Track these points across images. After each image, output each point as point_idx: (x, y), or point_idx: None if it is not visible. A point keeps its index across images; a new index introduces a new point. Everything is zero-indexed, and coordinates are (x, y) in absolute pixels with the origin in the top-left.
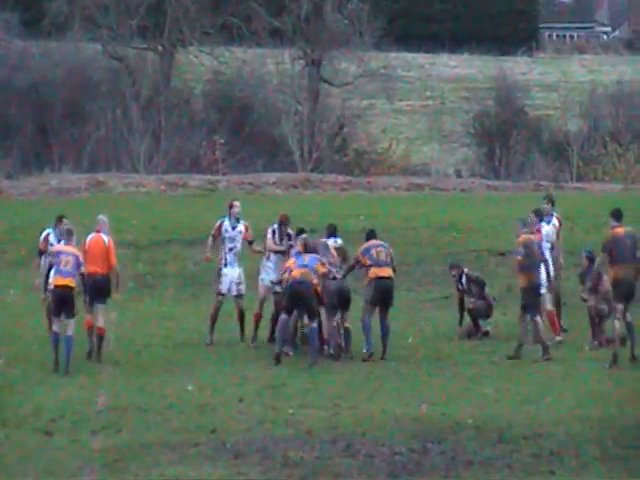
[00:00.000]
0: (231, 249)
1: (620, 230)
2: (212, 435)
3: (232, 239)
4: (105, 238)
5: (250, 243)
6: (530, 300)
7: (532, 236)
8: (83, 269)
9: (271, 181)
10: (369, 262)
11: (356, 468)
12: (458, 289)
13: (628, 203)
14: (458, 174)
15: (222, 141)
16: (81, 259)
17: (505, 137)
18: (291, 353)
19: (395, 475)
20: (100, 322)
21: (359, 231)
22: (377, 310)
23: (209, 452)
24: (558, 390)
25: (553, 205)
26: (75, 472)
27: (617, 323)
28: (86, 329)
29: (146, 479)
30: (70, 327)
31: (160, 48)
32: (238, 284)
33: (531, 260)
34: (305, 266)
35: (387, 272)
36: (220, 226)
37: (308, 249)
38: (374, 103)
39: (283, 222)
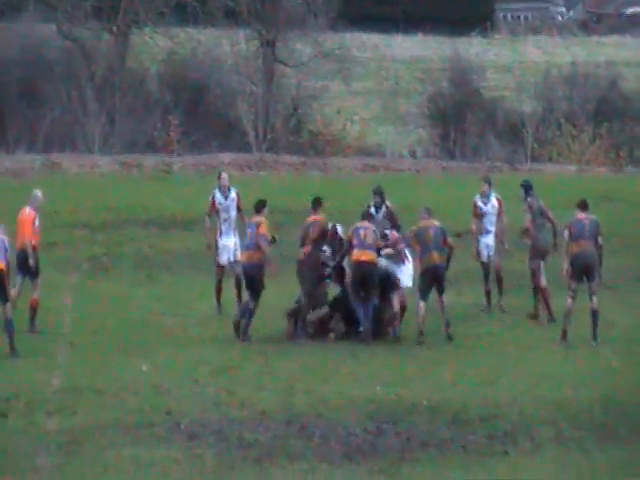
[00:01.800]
0: (225, 219)
1: (582, 215)
2: (167, 417)
3: (226, 209)
4: (27, 211)
5: (239, 211)
6: (423, 284)
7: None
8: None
9: (226, 162)
10: (355, 242)
11: (311, 449)
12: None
13: (582, 184)
14: (413, 155)
15: (177, 122)
16: (6, 243)
17: (460, 118)
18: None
19: (350, 456)
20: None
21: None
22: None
23: (164, 433)
24: (513, 372)
25: (490, 186)
26: (30, 453)
27: (569, 301)
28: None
29: (101, 460)
30: (8, 310)
31: (115, 29)
32: (235, 251)
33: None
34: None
35: (369, 256)
36: (213, 200)
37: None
38: (329, 84)
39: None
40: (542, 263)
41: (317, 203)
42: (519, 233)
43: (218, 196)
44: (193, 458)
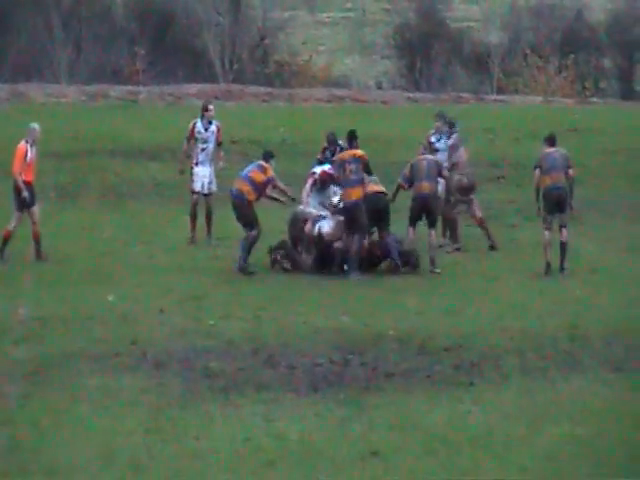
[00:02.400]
0: (203, 149)
1: (551, 149)
2: (132, 346)
3: (204, 140)
4: (19, 146)
5: (219, 144)
6: (412, 213)
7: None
8: None
9: (192, 92)
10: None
11: (277, 379)
12: None
13: (548, 116)
14: (379, 86)
15: (143, 52)
16: None
17: (426, 49)
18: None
19: (316, 386)
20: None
21: (279, 143)
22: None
23: (130, 363)
24: (479, 302)
25: (445, 121)
26: None
27: (546, 233)
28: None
29: (67, 389)
30: None
31: None
32: (209, 183)
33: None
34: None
35: (356, 193)
36: (193, 128)
37: None
38: (295, 14)
39: None
40: (474, 196)
41: (353, 137)
42: (449, 167)
43: (199, 125)
44: (159, 387)
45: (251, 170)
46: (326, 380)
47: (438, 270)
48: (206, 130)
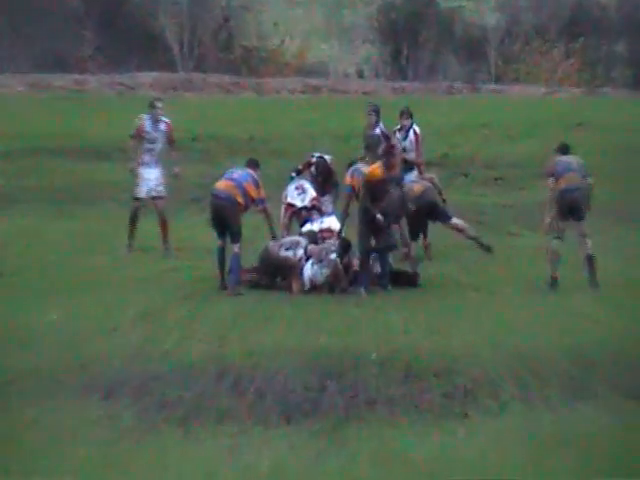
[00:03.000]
0: (149, 150)
1: (564, 157)
2: (80, 371)
3: (152, 140)
4: None
5: (171, 143)
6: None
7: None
8: None
9: (147, 82)
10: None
11: (244, 408)
12: None
13: (551, 109)
14: (360, 75)
15: (90, 36)
16: None
17: (413, 33)
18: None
19: (289, 416)
20: None
21: (247, 140)
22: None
23: (76, 390)
24: (472, 318)
25: (411, 118)
26: None
27: (554, 242)
28: None
29: (2, 421)
30: None
31: None
32: (157, 185)
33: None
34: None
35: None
36: (141, 127)
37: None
38: None
39: None
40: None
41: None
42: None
43: (148, 124)
44: (110, 418)
45: (246, 180)
46: (300, 409)
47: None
48: (154, 129)
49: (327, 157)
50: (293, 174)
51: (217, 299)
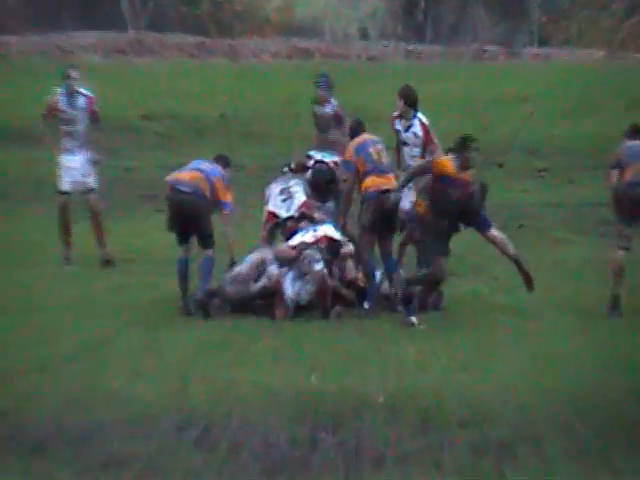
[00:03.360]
0: (69, 133)
1: (636, 142)
2: (2, 419)
3: (70, 121)
4: None
5: (95, 121)
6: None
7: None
8: None
9: (87, 44)
10: (368, 166)
11: (213, 466)
12: None
13: (612, 80)
14: (364, 35)
15: None
16: None
17: None
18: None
19: (272, 476)
20: None
21: (216, 119)
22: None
23: None
24: (510, 352)
25: (415, 106)
26: None
27: (620, 254)
28: None
29: None
30: None
31: None
32: (84, 176)
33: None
34: None
35: (392, 182)
36: (54, 104)
37: None
38: None
39: None
40: None
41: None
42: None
43: (63, 101)
44: None
45: (215, 176)
46: (286, 468)
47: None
48: (71, 106)
49: (330, 159)
50: (285, 169)
51: (179, 325)
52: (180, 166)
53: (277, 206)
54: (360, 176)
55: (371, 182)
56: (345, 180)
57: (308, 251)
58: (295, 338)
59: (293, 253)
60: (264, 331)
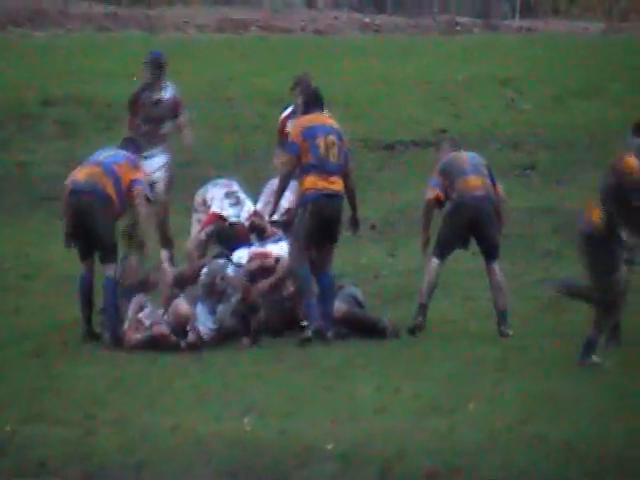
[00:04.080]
0: None
1: None
2: None
3: None
4: None
5: None
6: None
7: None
8: None
9: None
10: (311, 160)
11: None
12: None
13: (613, 56)
14: (309, 3)
15: None
16: None
17: None
18: None
19: None
20: None
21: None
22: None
23: None
24: (487, 390)
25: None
26: None
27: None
28: None
29: None
30: None
31: None
32: None
33: None
34: None
35: (338, 185)
36: None
37: None
38: None
39: None
40: None
41: (314, 96)
42: None
43: None
44: None
45: (116, 162)
46: None
47: (510, 332)
48: None
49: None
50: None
51: (82, 357)
52: (82, 161)
53: (224, 209)
54: (300, 168)
55: (310, 183)
56: (282, 163)
57: (215, 262)
58: (224, 372)
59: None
60: (187, 364)
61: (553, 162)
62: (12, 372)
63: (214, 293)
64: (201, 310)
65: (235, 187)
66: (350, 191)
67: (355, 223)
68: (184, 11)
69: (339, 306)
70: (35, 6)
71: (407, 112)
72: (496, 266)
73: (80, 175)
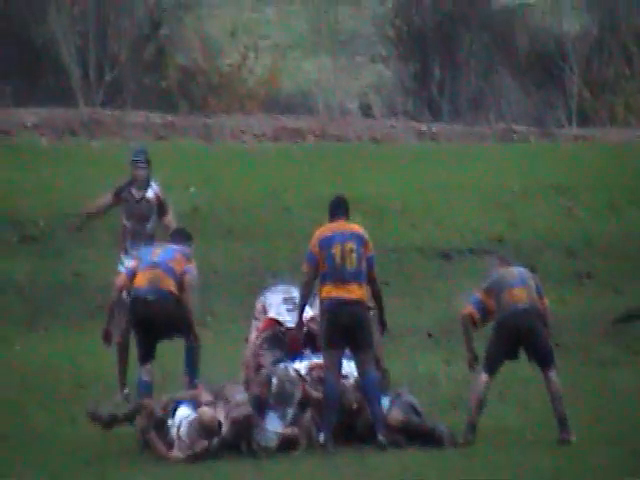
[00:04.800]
0: None
1: None
2: None
3: None
4: None
5: None
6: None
7: None
8: None
9: (30, 122)
10: (327, 269)
11: None
12: None
13: None
14: (366, 111)
15: None
16: None
17: (450, 45)
18: None
19: None
20: None
21: (188, 212)
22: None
23: None
24: None
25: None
26: None
27: None
28: None
29: None
30: None
31: None
32: None
33: None
34: None
35: (355, 292)
36: None
37: None
38: None
39: None
40: None
41: (341, 204)
42: None
43: None
44: None
45: (170, 257)
46: None
47: (573, 438)
48: None
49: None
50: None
51: (137, 467)
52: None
53: (281, 314)
54: (319, 278)
55: (326, 292)
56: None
57: (280, 376)
58: None
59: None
60: (244, 473)
61: (608, 270)
62: None
63: (285, 399)
64: (272, 416)
65: (294, 292)
66: (375, 295)
67: (382, 325)
68: (241, 120)
69: (396, 414)
70: (92, 115)
71: (463, 220)
72: (552, 373)
73: (142, 281)
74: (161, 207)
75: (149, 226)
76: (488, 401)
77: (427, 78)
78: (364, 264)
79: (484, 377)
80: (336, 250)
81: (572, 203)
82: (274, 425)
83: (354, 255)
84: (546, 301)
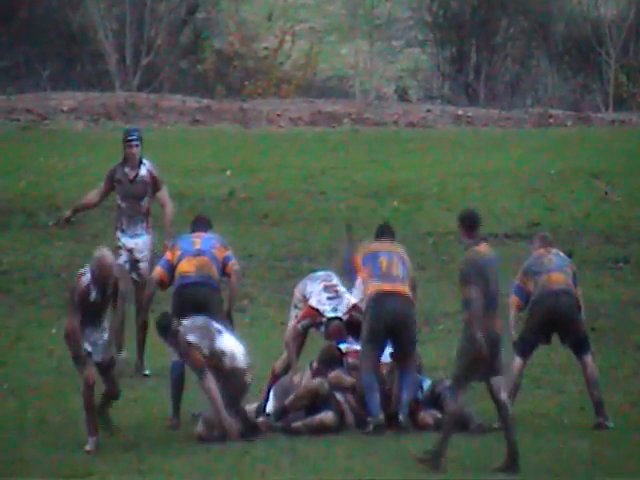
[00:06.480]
0: None
1: None
2: None
3: None
4: None
5: None
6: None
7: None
8: None
9: (67, 107)
10: (373, 274)
11: None
12: None
13: None
14: (402, 95)
15: None
16: None
17: (487, 29)
18: None
19: None
20: None
21: (223, 198)
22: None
23: None
24: None
25: None
26: None
27: None
28: None
29: None
30: None
31: None
32: None
33: None
34: None
35: (400, 288)
36: None
37: None
38: None
39: None
40: None
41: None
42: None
43: None
44: None
45: (214, 245)
46: None
47: (610, 423)
48: None
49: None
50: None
51: (174, 450)
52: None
53: (322, 303)
54: (364, 283)
55: (373, 288)
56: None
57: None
58: (316, 466)
59: (349, 382)
60: (279, 457)
61: None
62: (102, 466)
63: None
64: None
65: (334, 280)
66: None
67: None
68: (278, 104)
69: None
70: (128, 99)
71: (499, 204)
72: (588, 359)
73: (189, 267)
74: (155, 184)
75: (143, 204)
76: (524, 386)
77: (464, 62)
78: (407, 276)
79: (518, 361)
80: (382, 261)
81: (609, 188)
82: None
83: (400, 265)
84: (580, 291)
